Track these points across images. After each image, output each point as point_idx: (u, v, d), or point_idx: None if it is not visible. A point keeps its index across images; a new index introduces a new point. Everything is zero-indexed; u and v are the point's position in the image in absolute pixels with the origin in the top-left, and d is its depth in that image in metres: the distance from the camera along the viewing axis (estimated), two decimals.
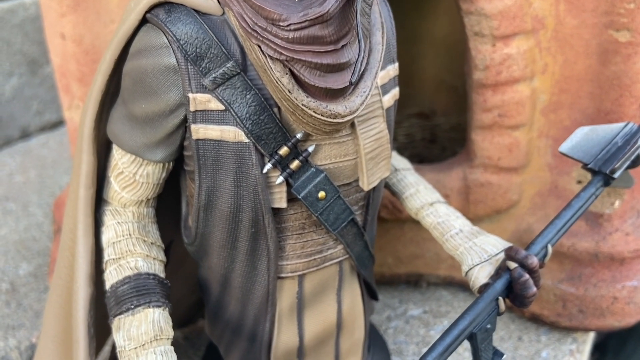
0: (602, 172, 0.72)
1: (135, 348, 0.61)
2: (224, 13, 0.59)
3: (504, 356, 0.66)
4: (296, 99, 0.57)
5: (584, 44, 0.86)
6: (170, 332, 0.63)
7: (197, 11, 0.59)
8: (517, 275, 0.64)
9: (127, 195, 0.67)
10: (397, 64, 0.70)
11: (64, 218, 0.71)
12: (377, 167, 0.68)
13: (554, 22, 0.86)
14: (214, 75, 0.58)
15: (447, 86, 1.30)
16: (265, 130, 0.60)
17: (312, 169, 0.63)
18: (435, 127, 1.31)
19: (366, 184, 0.67)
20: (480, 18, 0.84)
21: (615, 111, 0.87)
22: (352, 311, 0.75)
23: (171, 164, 0.67)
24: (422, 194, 0.78)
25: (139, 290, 0.64)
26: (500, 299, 0.65)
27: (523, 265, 0.65)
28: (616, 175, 0.71)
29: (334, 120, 0.59)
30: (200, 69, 0.58)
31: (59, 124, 1.75)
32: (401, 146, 1.25)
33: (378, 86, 0.65)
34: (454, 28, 1.20)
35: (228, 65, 0.58)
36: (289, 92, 0.57)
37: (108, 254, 0.66)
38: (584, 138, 0.75)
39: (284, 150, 0.61)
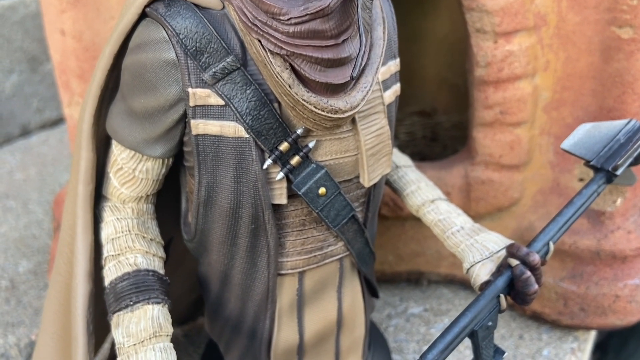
0: (604, 169, 0.71)
1: (135, 344, 0.61)
2: (223, 7, 0.59)
3: (505, 354, 0.66)
4: (296, 94, 0.57)
5: (586, 41, 0.86)
6: (169, 329, 0.63)
7: (196, 5, 0.58)
8: (518, 272, 0.64)
9: (126, 192, 0.67)
10: (398, 60, 0.69)
11: (63, 214, 0.71)
12: (378, 163, 0.67)
13: (556, 19, 0.86)
14: (213, 70, 0.58)
15: (449, 84, 1.30)
16: (266, 126, 0.59)
17: (313, 165, 0.63)
18: (437, 125, 1.31)
19: (367, 181, 0.66)
20: (482, 14, 0.84)
21: (617, 108, 0.87)
22: (352, 308, 0.74)
23: (171, 159, 0.66)
24: (423, 191, 0.78)
25: (138, 287, 0.63)
26: (502, 296, 0.65)
27: (525, 262, 0.64)
28: (618, 172, 0.71)
29: (335, 116, 0.59)
30: (200, 63, 0.58)
31: (59, 121, 1.75)
32: (402, 144, 1.24)
33: (379, 82, 0.65)
34: (455, 25, 1.20)
35: (228, 59, 0.58)
36: (290, 87, 0.57)
37: (107, 250, 0.66)
38: (586, 135, 0.75)
39: (284, 146, 0.60)
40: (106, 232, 0.67)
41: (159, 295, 0.64)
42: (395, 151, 0.82)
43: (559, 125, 0.92)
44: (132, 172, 0.66)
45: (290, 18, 0.54)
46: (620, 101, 0.86)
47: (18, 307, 1.06)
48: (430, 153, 1.23)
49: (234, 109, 0.59)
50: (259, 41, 0.56)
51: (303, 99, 0.57)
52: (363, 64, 0.59)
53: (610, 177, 0.71)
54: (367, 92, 0.60)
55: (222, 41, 0.58)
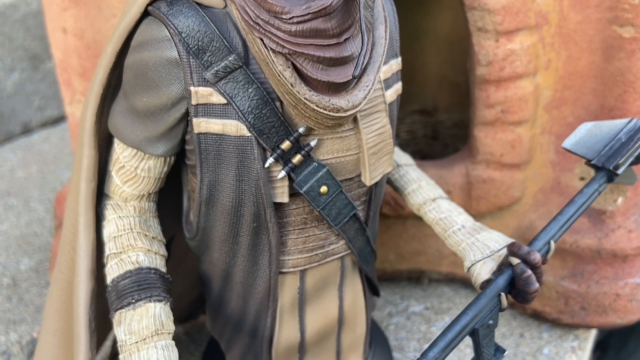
0: (605, 168, 0.71)
1: (136, 342, 0.61)
2: (226, 6, 0.59)
3: (506, 352, 0.66)
4: (298, 93, 0.57)
5: (588, 40, 0.86)
6: (171, 327, 0.63)
7: (199, 4, 0.59)
8: (519, 271, 0.64)
9: (128, 190, 0.67)
10: (400, 59, 0.69)
11: (65, 212, 0.71)
12: (380, 162, 0.67)
13: (557, 18, 0.86)
14: (215, 68, 0.58)
15: (450, 83, 1.30)
16: (267, 124, 0.60)
17: (314, 163, 0.63)
18: (438, 123, 1.31)
19: (368, 179, 0.67)
20: (484, 13, 0.84)
21: (619, 107, 0.87)
22: (353, 307, 0.75)
23: (173, 158, 0.66)
24: (425, 190, 0.78)
25: (140, 285, 0.63)
26: (503, 294, 0.65)
27: (526, 261, 0.64)
28: (620, 171, 0.71)
29: (337, 115, 0.59)
30: (202, 62, 0.58)
31: (60, 119, 1.75)
32: (403, 143, 1.25)
33: (381, 80, 0.65)
34: (456, 24, 1.20)
35: (230, 58, 0.58)
36: (292, 85, 0.57)
37: (109, 248, 0.66)
38: (587, 134, 0.75)
39: (286, 145, 0.61)
40: (108, 230, 0.67)
41: (161, 293, 0.64)
42: (397, 150, 0.82)
43: (560, 124, 0.92)
44: (134, 171, 0.66)
45: (293, 17, 0.54)
46: (621, 100, 0.86)
47: (20, 305, 1.07)
48: (431, 152, 1.23)
49: (236, 108, 0.59)
50: (261, 40, 0.56)
51: (305, 98, 0.57)
52: (365, 62, 0.59)
53: (611, 176, 0.71)
54: (369, 91, 0.61)
55: (224, 40, 0.58)
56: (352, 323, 0.75)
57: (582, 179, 0.93)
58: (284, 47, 0.55)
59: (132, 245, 0.66)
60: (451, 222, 0.75)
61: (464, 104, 0.99)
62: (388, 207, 0.99)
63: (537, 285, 0.64)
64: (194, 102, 0.59)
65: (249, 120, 0.59)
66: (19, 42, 1.64)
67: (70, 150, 1.56)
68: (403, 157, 0.82)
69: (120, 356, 0.61)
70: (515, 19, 0.83)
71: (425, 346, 0.94)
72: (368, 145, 0.65)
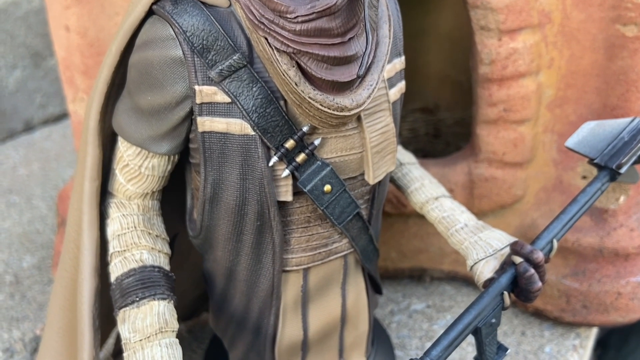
0: (608, 167, 0.71)
1: (140, 340, 0.61)
2: (230, 5, 0.59)
3: (508, 351, 0.66)
4: (303, 92, 0.57)
5: (591, 39, 0.86)
6: (175, 325, 0.63)
7: (203, 3, 0.59)
8: (522, 269, 0.64)
9: (132, 188, 0.67)
10: (403, 57, 0.69)
11: (69, 210, 0.71)
12: (383, 160, 0.67)
13: (560, 17, 0.86)
14: (220, 67, 0.58)
15: (452, 81, 1.30)
16: (272, 123, 0.60)
17: (318, 162, 0.63)
18: (439, 122, 1.31)
19: (372, 178, 0.67)
20: (487, 12, 0.84)
21: (621, 106, 0.87)
22: (356, 305, 0.75)
23: (177, 156, 0.66)
24: (427, 188, 0.78)
25: (144, 283, 0.64)
26: (505, 293, 0.65)
27: (528, 259, 0.64)
28: (622, 170, 0.71)
29: (341, 114, 0.59)
30: (207, 61, 0.58)
31: (62, 116, 1.75)
32: (405, 141, 1.25)
33: (385, 79, 0.65)
34: (458, 22, 1.20)
35: (234, 57, 0.58)
36: (296, 84, 0.57)
37: (113, 246, 0.66)
38: (590, 133, 0.75)
39: (290, 144, 0.61)
40: (112, 228, 0.67)
41: (165, 291, 0.64)
42: (399, 148, 0.82)
43: (562, 123, 0.92)
44: (138, 169, 0.66)
45: (297, 16, 0.54)
46: (624, 99, 0.86)
47: (22, 302, 1.07)
48: (432, 150, 1.23)
49: (240, 107, 0.59)
50: (266, 39, 0.56)
51: (309, 97, 0.57)
52: (369, 62, 0.59)
53: (613, 175, 0.72)
54: (373, 90, 0.61)
55: (228, 39, 0.58)
56: (354, 321, 0.76)
57: (584, 177, 0.93)
58: (288, 46, 0.55)
59: (136, 243, 0.66)
60: (454, 221, 0.75)
61: (466, 102, 0.99)
62: (390, 205, 0.99)
63: (539, 284, 0.64)
64: (198, 100, 0.59)
65: (253, 119, 0.59)
66: (21, 39, 1.64)
67: (72, 147, 1.56)
68: (406, 156, 0.82)
69: (125, 354, 0.62)
70: (518, 18, 0.83)
71: (427, 344, 0.95)
72: (372, 144, 0.65)
